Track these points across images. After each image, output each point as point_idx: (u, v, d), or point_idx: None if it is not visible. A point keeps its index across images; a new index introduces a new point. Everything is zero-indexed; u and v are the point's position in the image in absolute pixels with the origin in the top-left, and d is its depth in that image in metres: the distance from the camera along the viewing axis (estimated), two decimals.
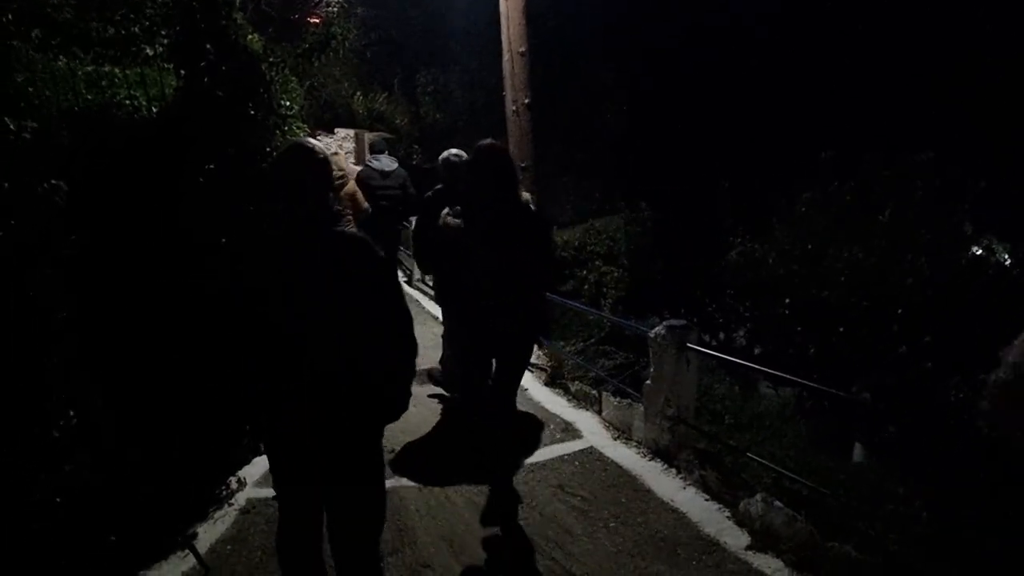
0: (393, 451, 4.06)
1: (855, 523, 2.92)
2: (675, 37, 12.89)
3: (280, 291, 2.03)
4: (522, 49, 6.58)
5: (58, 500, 2.48)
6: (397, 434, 4.21)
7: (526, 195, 3.11)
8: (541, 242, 3.13)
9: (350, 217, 6.63)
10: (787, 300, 7.55)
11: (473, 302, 3.17)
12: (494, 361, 3.33)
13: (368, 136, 10.99)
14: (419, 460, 4.01)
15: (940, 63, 9.79)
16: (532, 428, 4.49)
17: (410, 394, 2.21)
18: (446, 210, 3.39)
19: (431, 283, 7.28)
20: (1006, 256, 7.29)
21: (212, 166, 3.57)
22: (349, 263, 2.07)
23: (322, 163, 2.13)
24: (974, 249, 6.78)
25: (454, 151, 4.32)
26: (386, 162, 7.17)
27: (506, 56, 6.68)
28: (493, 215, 3.02)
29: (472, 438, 3.67)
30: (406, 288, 7.94)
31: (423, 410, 4.70)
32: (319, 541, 2.25)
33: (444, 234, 3.30)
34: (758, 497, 3.16)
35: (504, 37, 6.65)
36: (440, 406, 4.86)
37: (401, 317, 2.15)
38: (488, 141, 3.17)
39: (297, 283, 2.02)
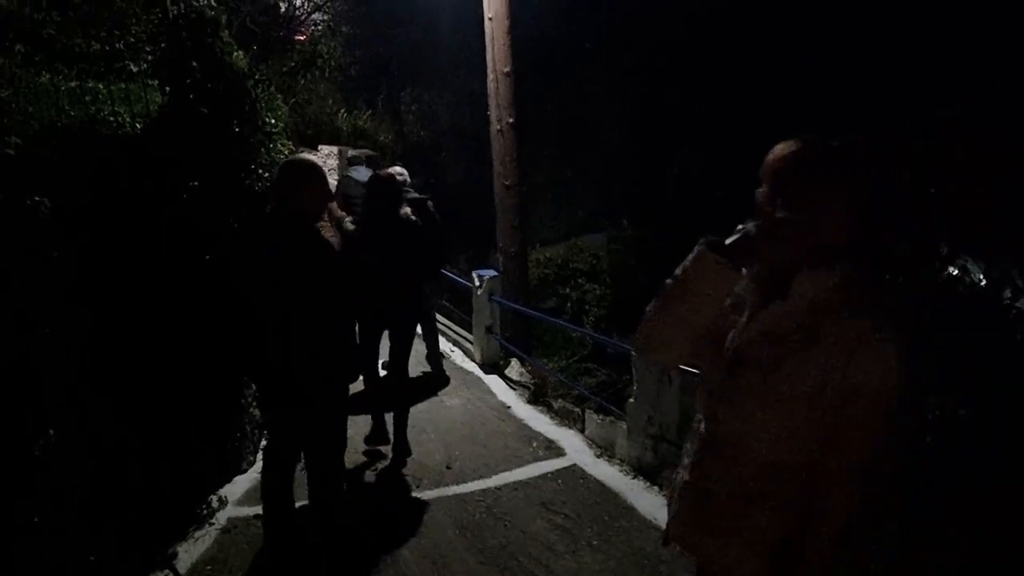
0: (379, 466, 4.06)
1: None
2: (662, 56, 13.06)
3: (278, 290, 2.48)
4: (507, 69, 6.67)
5: (36, 520, 2.44)
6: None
7: (407, 210, 3.94)
8: (418, 244, 3.93)
9: (326, 223, 6.75)
10: None
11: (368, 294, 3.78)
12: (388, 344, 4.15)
13: (351, 152, 11.01)
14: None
15: (937, 70, 9.87)
16: (515, 445, 4.51)
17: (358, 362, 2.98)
18: (349, 218, 3.89)
19: None
20: (980, 276, 7.46)
21: (196, 183, 3.57)
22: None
23: None
24: (950, 269, 6.94)
25: (398, 168, 5.03)
26: (363, 172, 7.40)
27: (491, 76, 6.77)
28: (380, 225, 3.83)
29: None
30: None
31: None
32: (292, 483, 2.78)
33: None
34: None
35: (489, 57, 6.73)
36: None
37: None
38: (382, 172, 4.20)
39: (294, 281, 2.50)
